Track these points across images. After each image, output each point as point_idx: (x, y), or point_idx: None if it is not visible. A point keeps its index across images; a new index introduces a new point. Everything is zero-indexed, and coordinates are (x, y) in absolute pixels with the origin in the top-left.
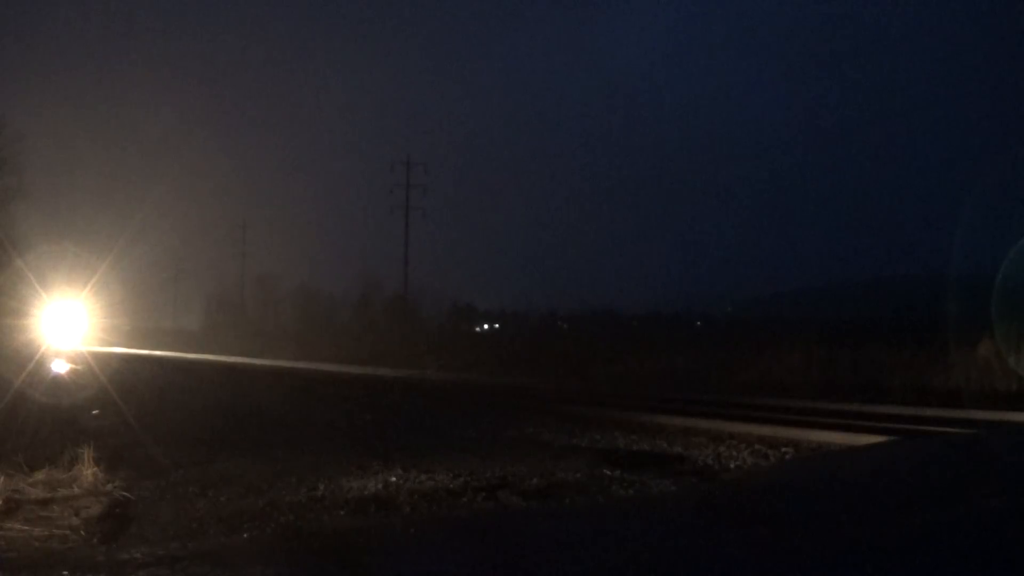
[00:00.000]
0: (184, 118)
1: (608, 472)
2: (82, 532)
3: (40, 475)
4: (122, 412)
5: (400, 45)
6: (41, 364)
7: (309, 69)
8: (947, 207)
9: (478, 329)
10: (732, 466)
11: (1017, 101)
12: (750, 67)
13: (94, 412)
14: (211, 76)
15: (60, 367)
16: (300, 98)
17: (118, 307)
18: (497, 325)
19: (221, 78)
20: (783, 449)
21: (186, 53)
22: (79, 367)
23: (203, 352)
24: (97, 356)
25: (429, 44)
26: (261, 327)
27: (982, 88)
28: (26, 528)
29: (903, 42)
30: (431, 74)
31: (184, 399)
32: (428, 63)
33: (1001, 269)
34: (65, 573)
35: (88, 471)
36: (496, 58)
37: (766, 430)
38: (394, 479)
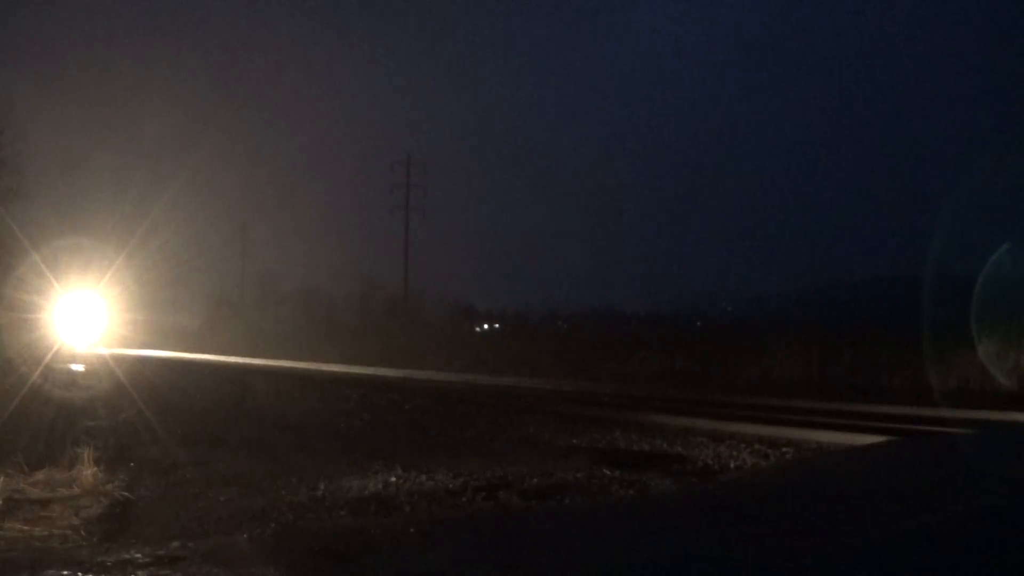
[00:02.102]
0: (184, 118)
1: (608, 472)
2: (82, 532)
3: (40, 475)
4: (128, 411)
5: (400, 45)
6: (55, 360)
7: (310, 69)
8: (948, 208)
9: (478, 329)
10: (732, 466)
11: (1015, 97)
12: (749, 69)
13: (100, 411)
14: (212, 76)
15: (74, 363)
16: (301, 98)
17: (133, 302)
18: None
19: (222, 78)
20: (783, 449)
21: (188, 53)
22: (92, 364)
23: (202, 352)
24: (107, 356)
25: (429, 44)
26: (261, 327)
27: (983, 82)
28: (26, 528)
29: (900, 43)
30: (431, 74)
31: (184, 399)
32: (428, 63)
33: (985, 270)
34: (65, 573)
35: (88, 471)
36: (496, 58)
37: (766, 430)
38: (394, 479)
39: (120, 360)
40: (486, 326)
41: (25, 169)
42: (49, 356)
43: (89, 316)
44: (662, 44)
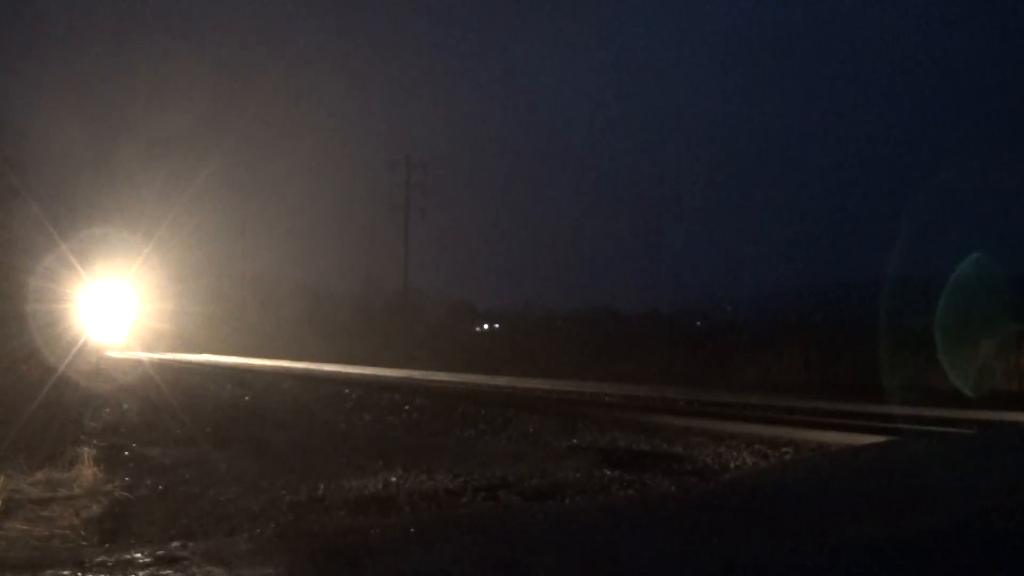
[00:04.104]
0: (184, 118)
1: (608, 472)
2: (82, 532)
3: (40, 475)
4: (129, 411)
5: (400, 45)
6: (80, 354)
7: (309, 69)
8: (947, 208)
9: (478, 329)
10: (732, 466)
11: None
12: (748, 69)
13: (103, 411)
14: (212, 75)
15: (85, 363)
16: (301, 98)
17: (155, 296)
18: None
19: (222, 77)
20: (783, 449)
21: (188, 52)
22: (98, 364)
23: (201, 352)
24: (115, 355)
25: (429, 44)
26: (260, 327)
27: (985, 80)
28: (26, 528)
29: (900, 43)
30: (431, 74)
31: (183, 399)
32: (428, 63)
33: (951, 279)
34: (65, 573)
35: (88, 471)
36: (496, 58)
37: (766, 430)
38: (394, 479)
39: (125, 360)
40: (486, 326)
41: (42, 163)
42: (71, 354)
43: (115, 309)
44: (662, 44)
